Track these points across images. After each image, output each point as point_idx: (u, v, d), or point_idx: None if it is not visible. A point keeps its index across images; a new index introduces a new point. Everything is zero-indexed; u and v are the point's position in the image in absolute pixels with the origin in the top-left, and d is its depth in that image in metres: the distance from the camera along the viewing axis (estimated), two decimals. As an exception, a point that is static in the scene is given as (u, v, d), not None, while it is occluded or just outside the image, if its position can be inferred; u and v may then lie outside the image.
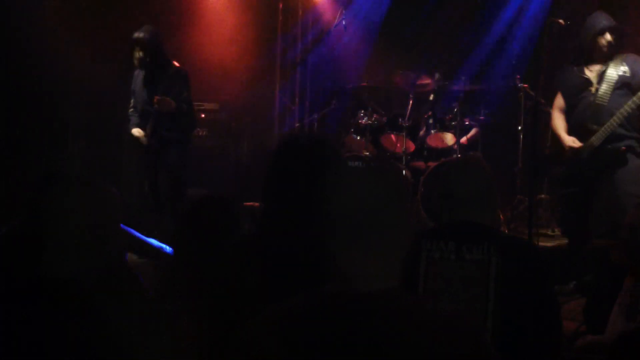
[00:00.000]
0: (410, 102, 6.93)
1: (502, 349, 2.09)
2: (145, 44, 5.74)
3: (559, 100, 4.99)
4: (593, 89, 4.71)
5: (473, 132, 6.96)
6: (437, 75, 6.98)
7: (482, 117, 6.90)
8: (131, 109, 6.04)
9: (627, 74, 4.66)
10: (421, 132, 7.02)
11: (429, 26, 7.73)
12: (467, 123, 6.86)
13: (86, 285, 1.65)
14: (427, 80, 7.01)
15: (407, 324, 1.37)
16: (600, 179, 4.71)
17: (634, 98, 4.56)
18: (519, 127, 6.69)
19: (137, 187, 6.46)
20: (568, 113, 4.87)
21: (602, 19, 4.72)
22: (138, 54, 5.77)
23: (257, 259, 2.02)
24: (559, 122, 4.92)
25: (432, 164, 6.60)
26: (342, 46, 8.01)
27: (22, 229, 2.32)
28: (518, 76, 6.53)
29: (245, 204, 6.99)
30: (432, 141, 6.90)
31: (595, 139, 4.65)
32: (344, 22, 7.14)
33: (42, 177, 2.49)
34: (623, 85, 4.66)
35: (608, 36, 4.68)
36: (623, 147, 4.61)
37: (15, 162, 6.25)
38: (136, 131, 5.91)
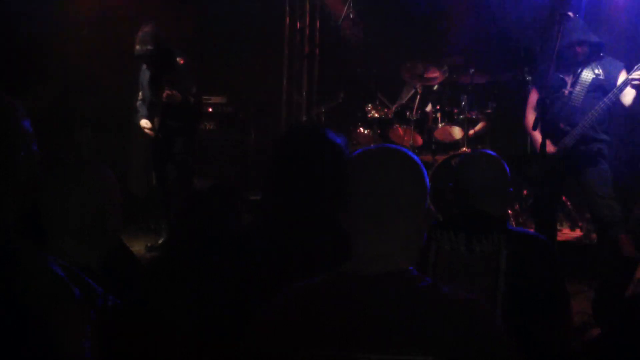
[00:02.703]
0: (418, 95, 6.92)
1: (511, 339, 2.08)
2: (151, 56, 5.64)
3: (533, 98, 4.99)
4: (566, 92, 4.72)
5: (480, 125, 6.94)
6: (445, 67, 6.96)
7: (489, 110, 6.87)
8: (139, 101, 6.06)
9: (601, 77, 4.66)
10: (429, 126, 7.00)
11: (438, 17, 7.70)
12: (474, 116, 6.84)
13: (89, 267, 1.67)
14: (435, 74, 6.99)
15: (423, 305, 1.37)
16: (570, 179, 4.84)
17: (605, 100, 4.55)
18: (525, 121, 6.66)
19: (144, 177, 6.49)
20: (542, 112, 4.74)
21: (579, 30, 4.69)
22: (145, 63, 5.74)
23: (258, 248, 2.02)
24: (532, 122, 4.85)
25: (439, 158, 6.59)
26: (350, 38, 7.98)
27: (26, 216, 2.33)
28: (526, 69, 6.49)
29: (250, 198, 7.01)
30: (439, 135, 6.88)
31: (568, 140, 4.67)
32: (351, 15, 7.12)
33: (46, 165, 2.50)
34: (597, 88, 4.66)
35: (585, 47, 4.68)
36: (595, 149, 4.65)
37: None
38: (144, 122, 5.93)
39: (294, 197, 2.01)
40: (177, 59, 5.82)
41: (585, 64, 4.73)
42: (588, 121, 4.61)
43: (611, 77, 4.64)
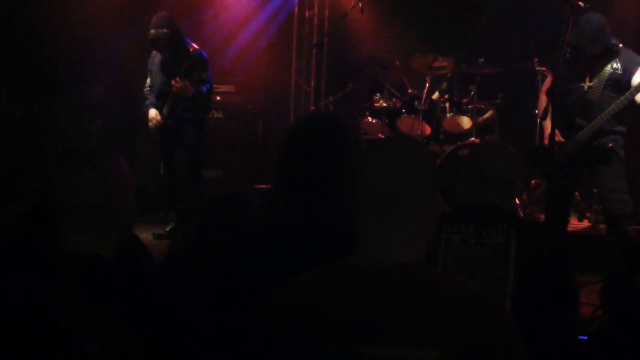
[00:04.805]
0: (427, 85, 6.90)
1: (520, 331, 2.09)
2: (165, 41, 5.62)
3: (548, 83, 4.92)
4: (585, 86, 4.67)
5: (489, 114, 6.92)
6: (453, 57, 6.92)
7: (498, 101, 6.85)
8: (147, 89, 6.05)
9: (619, 71, 4.61)
10: (437, 116, 6.98)
11: (446, 7, 7.67)
12: (483, 106, 6.82)
13: (102, 258, 1.68)
14: (444, 63, 6.97)
15: (429, 298, 1.37)
16: (584, 173, 4.81)
17: (622, 97, 4.50)
18: (536, 111, 6.64)
19: (153, 167, 6.50)
20: (551, 101, 4.68)
21: (594, 31, 4.55)
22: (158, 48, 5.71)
23: (269, 239, 2.02)
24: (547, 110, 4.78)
25: (448, 148, 6.58)
26: (358, 28, 7.97)
27: (39, 206, 2.35)
28: (536, 59, 6.46)
29: (257, 186, 7.03)
30: (448, 125, 6.86)
31: (582, 135, 4.64)
32: (360, 4, 7.09)
33: (58, 154, 2.51)
34: (614, 83, 4.61)
35: (595, 47, 4.59)
36: (609, 144, 4.61)
37: (32, 141, 6.31)
38: (153, 112, 5.92)
39: (306, 187, 2.01)
40: (189, 47, 5.82)
41: (601, 58, 4.65)
42: (604, 118, 4.57)
43: (628, 72, 4.58)
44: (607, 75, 4.63)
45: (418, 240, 1.47)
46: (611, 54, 4.65)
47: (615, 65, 4.63)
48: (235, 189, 2.48)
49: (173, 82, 5.63)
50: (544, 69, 6.32)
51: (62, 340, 1.52)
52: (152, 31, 5.58)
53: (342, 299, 1.40)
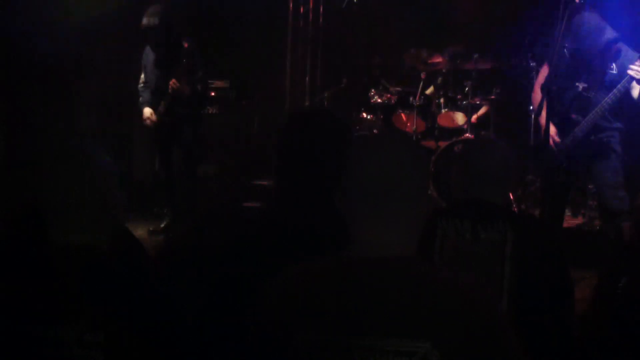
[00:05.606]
0: (422, 80, 6.90)
1: (516, 326, 2.10)
2: (157, 31, 5.60)
3: (543, 75, 4.87)
4: (580, 86, 4.64)
5: (483, 110, 6.93)
6: (448, 53, 6.93)
7: (493, 96, 6.86)
8: (141, 85, 6.02)
9: (614, 71, 4.58)
10: (432, 111, 6.99)
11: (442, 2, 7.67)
12: (478, 102, 6.83)
13: (95, 250, 1.70)
14: (439, 59, 6.97)
15: (422, 290, 1.38)
16: (581, 169, 4.79)
17: (614, 90, 4.48)
18: (531, 107, 6.64)
19: (148, 163, 6.48)
20: (546, 97, 4.61)
21: (592, 37, 4.51)
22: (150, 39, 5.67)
23: (272, 234, 2.02)
24: (538, 101, 4.76)
25: (442, 144, 6.59)
26: (353, 24, 7.96)
27: (31, 202, 2.36)
28: (530, 54, 6.47)
29: (252, 182, 7.03)
30: (442, 120, 6.87)
31: (579, 131, 4.62)
32: None
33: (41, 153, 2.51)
34: (610, 83, 4.57)
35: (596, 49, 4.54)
36: (606, 139, 4.61)
37: (26, 138, 6.28)
38: (147, 111, 5.89)
39: (302, 183, 2.02)
40: (183, 43, 5.78)
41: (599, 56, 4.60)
42: (598, 113, 4.56)
43: (624, 71, 4.51)
44: (603, 78, 4.59)
45: (410, 233, 1.48)
46: (609, 50, 4.60)
47: (611, 66, 4.59)
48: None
49: (171, 83, 5.59)
50: (538, 64, 6.32)
51: (62, 335, 1.53)
52: (144, 20, 5.55)
53: (336, 291, 1.41)
